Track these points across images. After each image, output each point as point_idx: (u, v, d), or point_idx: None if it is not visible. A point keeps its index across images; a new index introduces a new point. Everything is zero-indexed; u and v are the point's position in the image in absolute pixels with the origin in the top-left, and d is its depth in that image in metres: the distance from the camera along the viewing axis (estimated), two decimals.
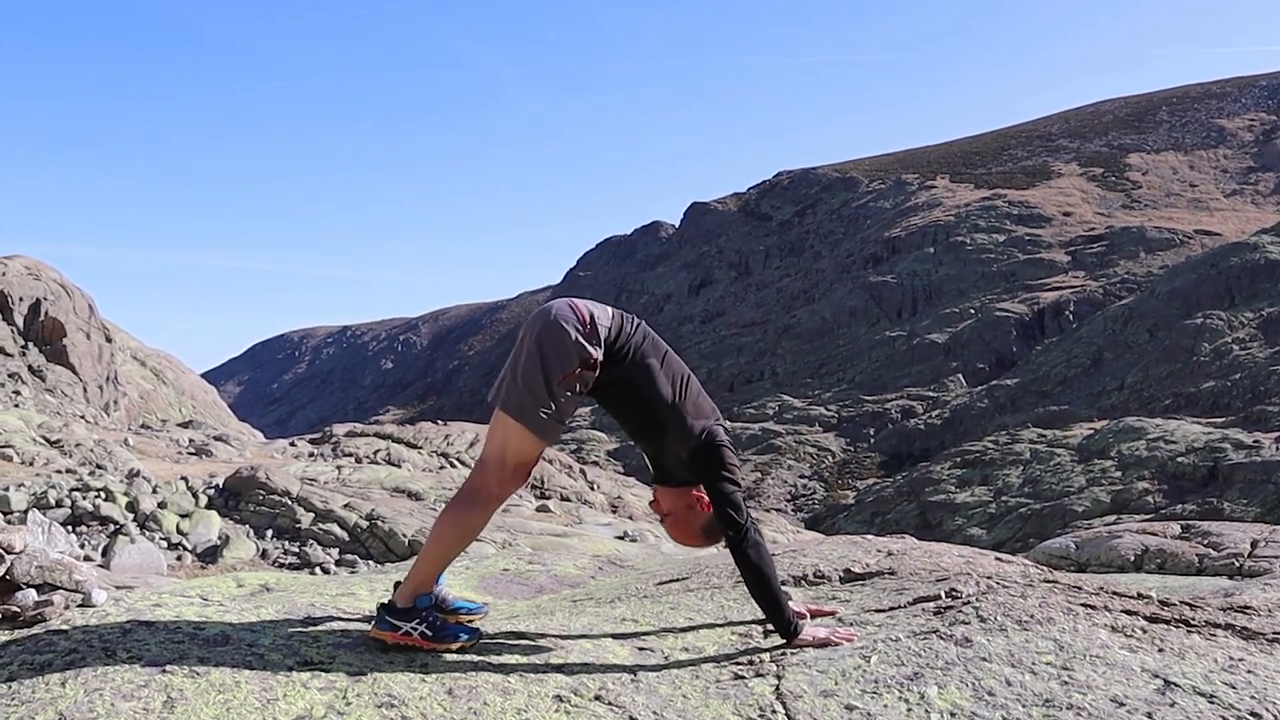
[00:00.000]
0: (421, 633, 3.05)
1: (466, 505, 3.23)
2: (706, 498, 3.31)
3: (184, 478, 22.38)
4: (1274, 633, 3.26)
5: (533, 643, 3.26)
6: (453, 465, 32.02)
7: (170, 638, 2.93)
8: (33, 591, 3.34)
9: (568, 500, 28.56)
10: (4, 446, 23.03)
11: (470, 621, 3.34)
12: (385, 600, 3.21)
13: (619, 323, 3.24)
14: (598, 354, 3.15)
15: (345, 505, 20.89)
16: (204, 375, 72.10)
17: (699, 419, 3.29)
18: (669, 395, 3.24)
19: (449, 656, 3.01)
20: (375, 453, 31.22)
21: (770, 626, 3.42)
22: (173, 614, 3.22)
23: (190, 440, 32.73)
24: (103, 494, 19.33)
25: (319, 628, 3.21)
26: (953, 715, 2.59)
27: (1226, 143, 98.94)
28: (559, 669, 2.96)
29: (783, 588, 3.30)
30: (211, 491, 21.25)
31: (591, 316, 3.18)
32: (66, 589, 3.39)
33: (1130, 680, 2.77)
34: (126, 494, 19.55)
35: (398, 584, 3.22)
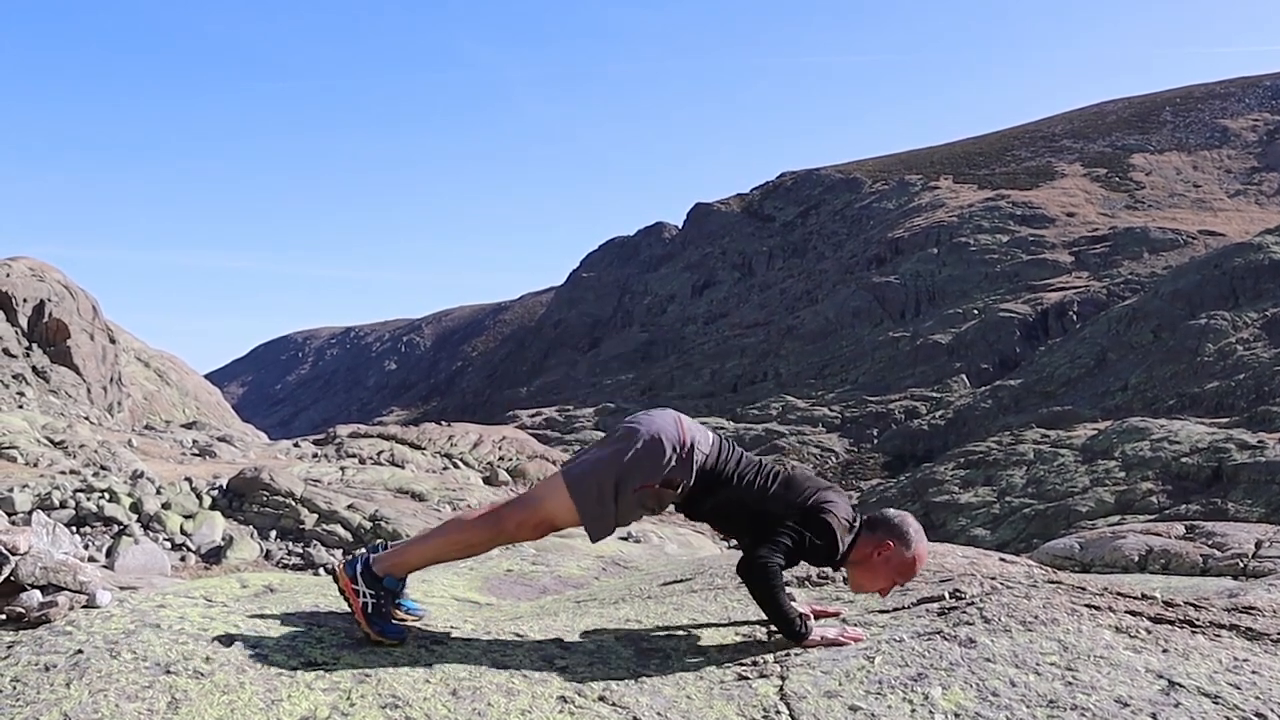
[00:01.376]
0: (365, 604, 3.10)
1: (482, 524, 3.28)
2: (888, 544, 3.31)
3: (188, 479, 22.39)
4: (1278, 633, 3.25)
5: (536, 644, 3.26)
6: (456, 466, 32.02)
7: (174, 639, 2.93)
8: (37, 592, 3.34)
9: None
10: (9, 448, 23.06)
11: (405, 622, 3.35)
12: (376, 548, 3.27)
13: (717, 450, 3.30)
14: (680, 478, 3.21)
15: (349, 506, 20.91)
16: (208, 376, 72.21)
17: (807, 488, 3.32)
18: (774, 493, 3.28)
19: (452, 658, 3.01)
20: (379, 454, 31.23)
21: (771, 628, 3.43)
22: (177, 615, 3.22)
23: (194, 441, 32.77)
24: (107, 495, 19.35)
25: (323, 628, 3.21)
26: (957, 716, 2.59)
27: (1230, 143, 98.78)
28: (563, 670, 2.96)
29: (786, 588, 3.30)
30: (215, 492, 21.26)
31: (692, 443, 3.23)
32: (71, 590, 3.40)
33: (1134, 681, 2.77)
34: (130, 495, 19.57)
35: (376, 547, 3.27)
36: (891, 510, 3.50)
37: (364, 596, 3.10)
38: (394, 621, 3.17)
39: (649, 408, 3.58)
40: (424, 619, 3.51)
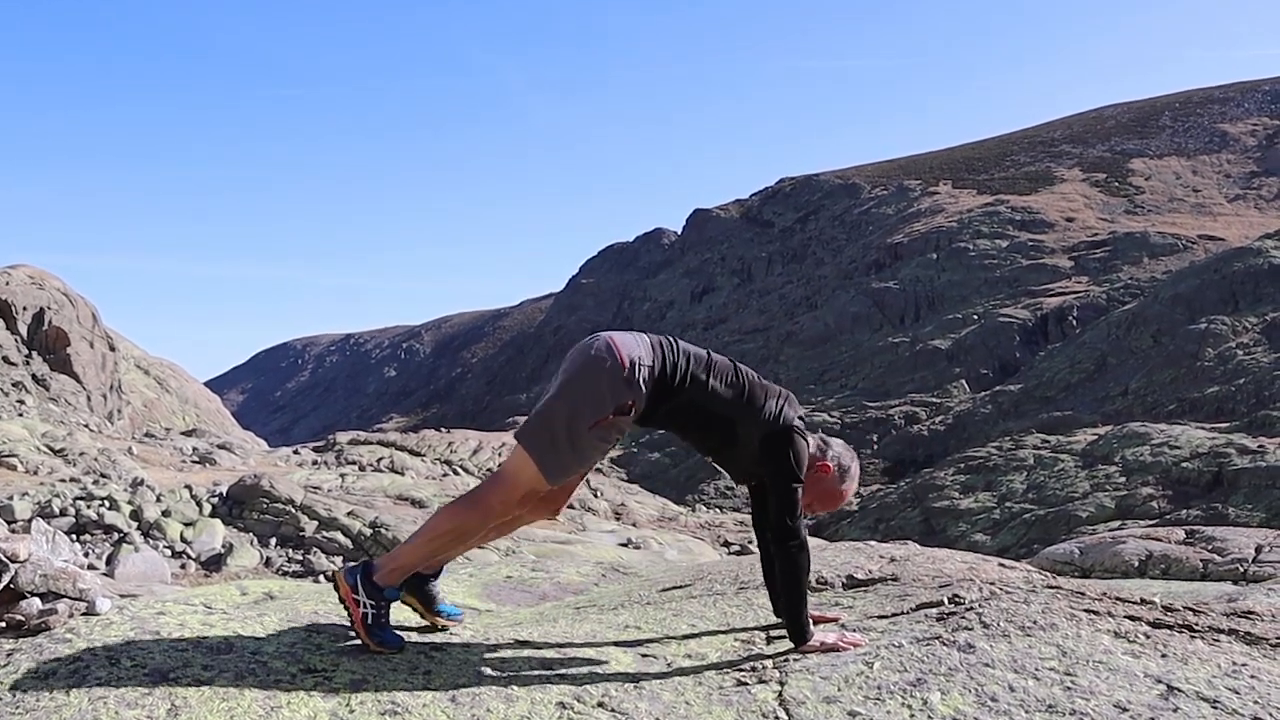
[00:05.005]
0: (364, 614, 3.10)
1: (467, 506, 3.26)
2: (826, 468, 3.34)
3: (188, 486, 22.39)
4: (1278, 638, 3.26)
5: (536, 650, 3.26)
6: (456, 473, 32.03)
7: (174, 646, 2.93)
8: (37, 600, 3.34)
9: (571, 507, 28.56)
10: (8, 456, 23.06)
11: (449, 625, 3.39)
12: (372, 560, 3.27)
13: (661, 356, 3.19)
14: (630, 400, 3.12)
15: (349, 513, 20.91)
16: (207, 383, 72.16)
17: (767, 400, 3.28)
18: (728, 395, 3.23)
19: (451, 664, 3.02)
20: (378, 460, 31.25)
21: (775, 633, 3.43)
22: (176, 622, 3.23)
23: (194, 449, 32.76)
24: (107, 503, 19.34)
25: (322, 635, 3.22)
26: None
27: (1230, 147, 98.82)
28: (562, 676, 2.96)
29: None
30: (215, 500, 21.26)
31: (631, 362, 3.11)
32: (71, 597, 3.40)
33: (1133, 686, 2.77)
34: (130, 502, 19.57)
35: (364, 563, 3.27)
36: (840, 443, 3.51)
37: (364, 607, 3.10)
38: (393, 630, 3.17)
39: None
40: (456, 620, 3.53)
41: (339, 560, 18.83)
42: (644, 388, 3.13)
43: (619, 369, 3.09)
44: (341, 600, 3.16)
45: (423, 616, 3.50)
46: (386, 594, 3.16)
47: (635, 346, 3.17)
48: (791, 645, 3.26)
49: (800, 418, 3.31)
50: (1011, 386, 63.51)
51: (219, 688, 2.62)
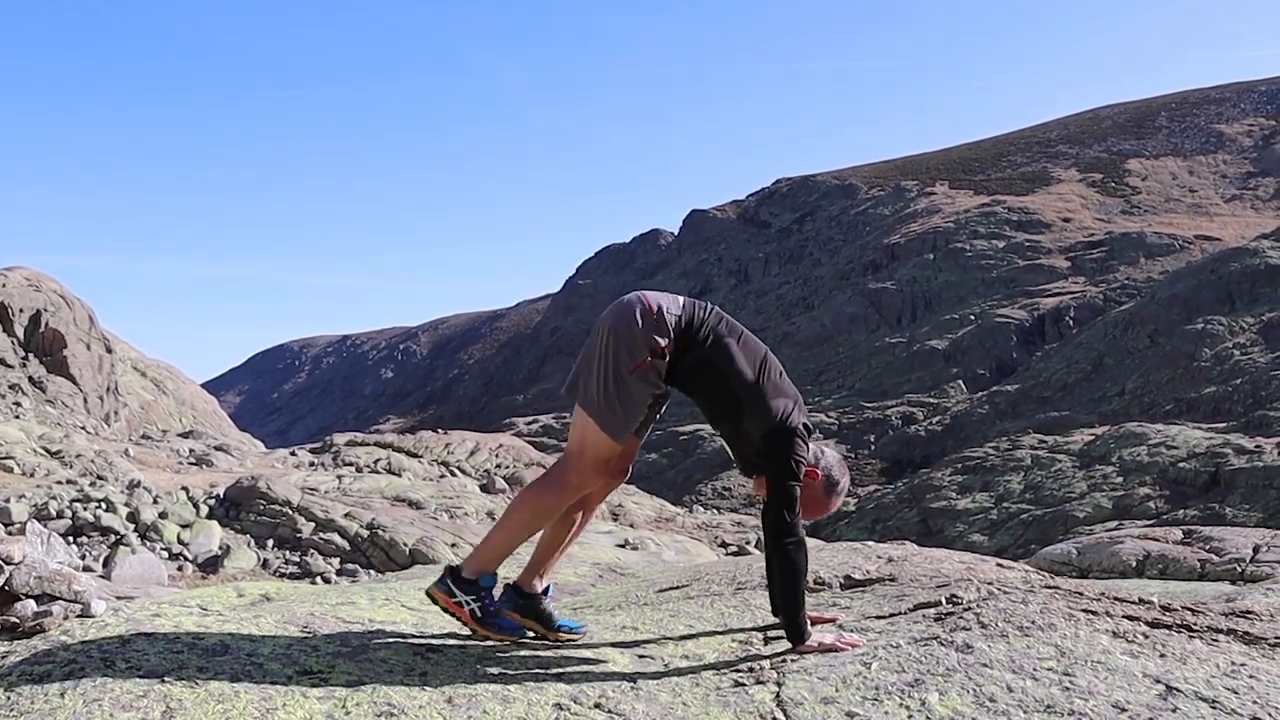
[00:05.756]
0: (472, 610, 3.14)
1: (542, 487, 3.32)
2: (815, 474, 3.36)
3: (185, 488, 22.36)
4: (1276, 637, 3.25)
5: (532, 650, 3.25)
6: (453, 474, 32.01)
7: (169, 648, 2.92)
8: (32, 602, 3.33)
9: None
10: (5, 458, 23.03)
11: (572, 639, 3.37)
12: (454, 564, 3.31)
13: (690, 309, 3.31)
14: (665, 342, 3.21)
15: (346, 514, 20.88)
16: (204, 385, 72.05)
17: (779, 398, 3.31)
18: (748, 373, 3.28)
19: (448, 665, 3.01)
20: (376, 462, 31.21)
21: (772, 633, 3.42)
22: (172, 624, 3.22)
23: (191, 450, 32.73)
24: (103, 505, 19.32)
25: (318, 637, 3.21)
26: None
27: (1226, 148, 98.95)
28: (559, 677, 2.95)
29: None
30: (212, 501, 21.24)
31: (659, 307, 3.25)
32: (66, 599, 3.39)
33: (1132, 686, 2.77)
34: (127, 504, 19.55)
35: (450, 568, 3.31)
36: (834, 454, 3.52)
37: (467, 604, 3.15)
38: (505, 617, 3.19)
39: None
40: (579, 634, 3.47)
41: (336, 562, 18.82)
42: (672, 332, 3.23)
43: (649, 312, 3.23)
44: (445, 610, 3.18)
45: (543, 637, 3.43)
46: (482, 582, 3.21)
47: (664, 298, 3.31)
48: (789, 645, 3.25)
49: (805, 424, 3.33)
50: (1008, 387, 63.56)
51: (214, 690, 2.61)
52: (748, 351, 3.32)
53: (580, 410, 3.28)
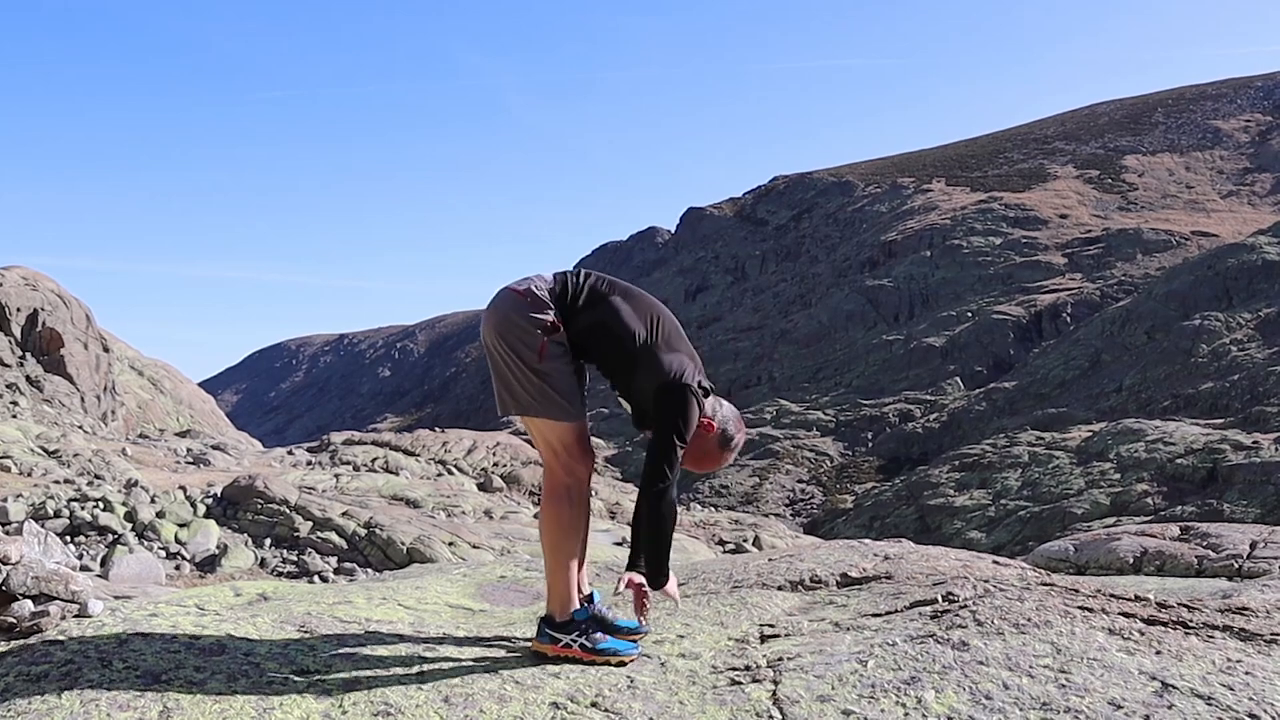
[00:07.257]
0: (581, 645, 3.15)
1: (550, 503, 3.33)
2: (711, 428, 3.33)
3: (182, 487, 22.35)
4: (1272, 634, 3.26)
5: (530, 650, 3.25)
6: (450, 472, 32.01)
7: (166, 648, 2.92)
8: (29, 602, 3.33)
9: None
10: (2, 457, 23.02)
11: (631, 638, 3.34)
12: (545, 614, 3.28)
13: (561, 278, 3.34)
14: (550, 316, 3.22)
15: (343, 513, 20.88)
16: (201, 384, 72.04)
17: (671, 354, 3.29)
18: (637, 328, 3.27)
19: (445, 665, 3.01)
20: (373, 461, 31.23)
21: (770, 630, 3.42)
22: (169, 624, 3.22)
23: (188, 450, 32.71)
24: (101, 504, 19.31)
25: (316, 636, 3.21)
26: (950, 719, 2.58)
27: (1222, 144, 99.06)
28: (555, 676, 2.95)
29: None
30: (210, 501, 21.22)
31: (527, 289, 3.26)
32: (63, 599, 3.39)
33: (1128, 683, 2.77)
34: (125, 504, 19.53)
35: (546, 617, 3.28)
36: (731, 410, 3.49)
37: (572, 643, 3.15)
38: (609, 639, 3.19)
39: None
40: (640, 634, 3.45)
41: (333, 560, 18.82)
42: (552, 305, 3.24)
43: (520, 299, 3.24)
44: (558, 659, 3.16)
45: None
46: (576, 616, 3.20)
47: (530, 279, 3.33)
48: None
49: (701, 384, 3.31)
50: (1006, 384, 63.59)
51: (211, 689, 2.61)
52: (637, 307, 3.33)
53: (527, 420, 3.29)
